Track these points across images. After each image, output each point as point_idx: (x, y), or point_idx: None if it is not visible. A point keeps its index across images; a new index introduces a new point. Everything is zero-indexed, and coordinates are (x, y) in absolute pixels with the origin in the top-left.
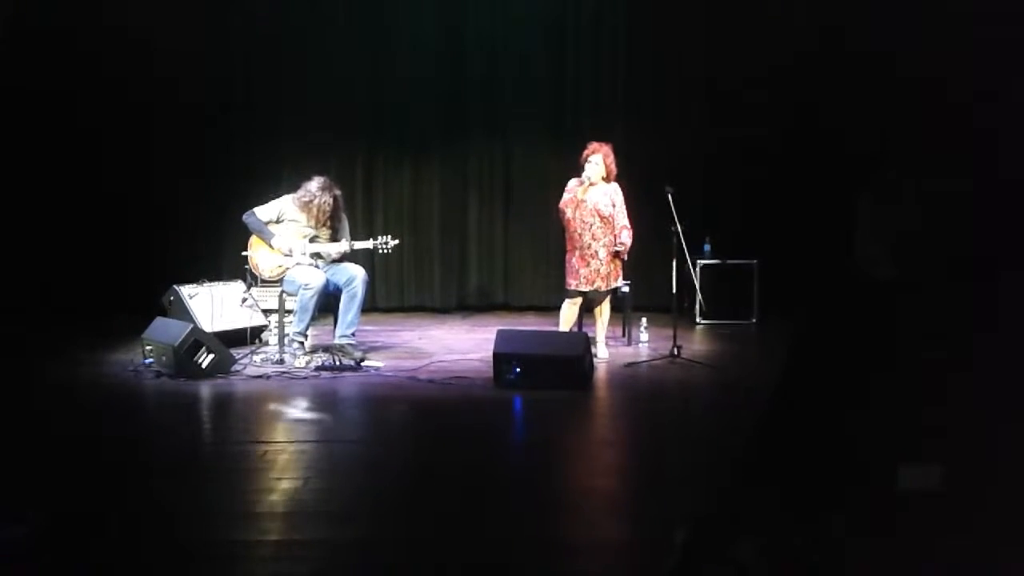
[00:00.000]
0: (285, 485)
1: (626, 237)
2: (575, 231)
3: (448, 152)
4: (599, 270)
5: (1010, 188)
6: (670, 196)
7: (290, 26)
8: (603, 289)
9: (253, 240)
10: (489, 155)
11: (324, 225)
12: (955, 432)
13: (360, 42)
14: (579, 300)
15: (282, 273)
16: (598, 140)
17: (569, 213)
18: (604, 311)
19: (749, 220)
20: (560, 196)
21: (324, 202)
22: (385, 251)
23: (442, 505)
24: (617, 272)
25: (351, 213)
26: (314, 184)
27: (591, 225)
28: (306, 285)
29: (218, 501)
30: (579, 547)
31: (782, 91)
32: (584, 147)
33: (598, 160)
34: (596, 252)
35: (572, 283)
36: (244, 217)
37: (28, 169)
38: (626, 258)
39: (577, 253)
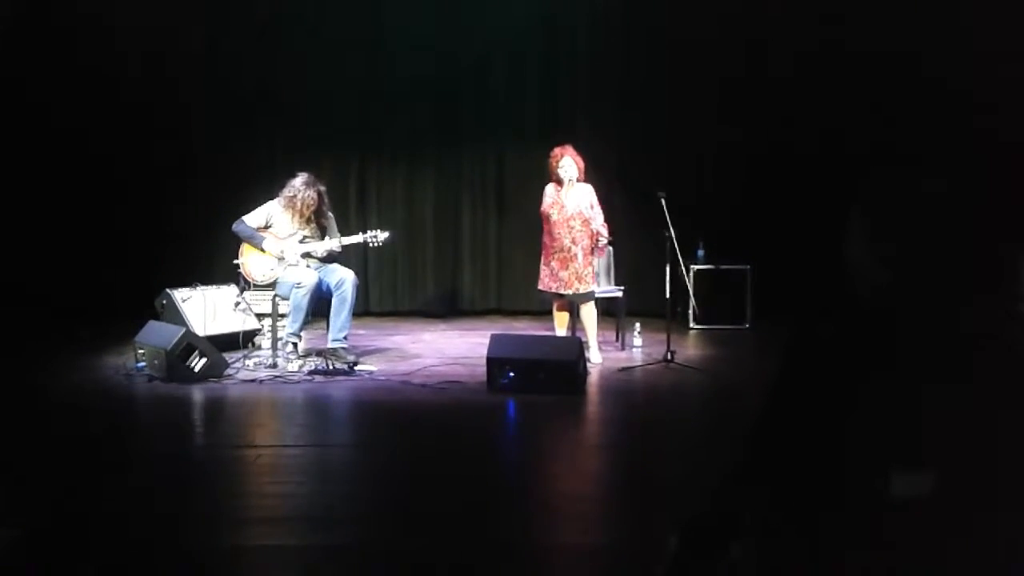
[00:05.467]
0: (277, 489)
1: (605, 232)
2: (557, 234)
3: (442, 155)
4: (578, 271)
5: (1010, 188)
6: (663, 201)
7: (286, 28)
8: (582, 291)
9: (244, 247)
10: (482, 158)
11: (310, 222)
12: (954, 438)
13: (355, 43)
14: (561, 302)
15: (274, 277)
16: (588, 144)
17: (555, 216)
18: (591, 315)
19: (742, 225)
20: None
21: (308, 196)
22: (375, 244)
23: (435, 510)
24: (593, 275)
25: (345, 215)
26: (298, 180)
27: (573, 228)
28: (298, 284)
29: (210, 505)
30: (572, 551)
31: (777, 94)
32: (551, 155)
33: (570, 163)
34: (575, 255)
35: (552, 286)
36: (234, 226)
37: (21, 171)
38: (601, 256)
39: (556, 256)
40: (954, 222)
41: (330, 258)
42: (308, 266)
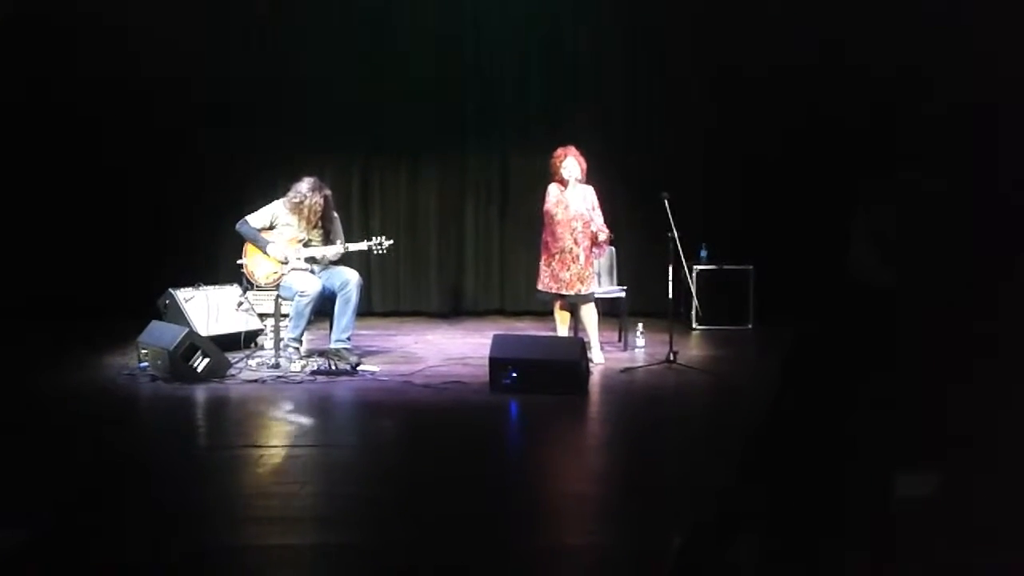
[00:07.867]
0: (281, 490)
1: (606, 231)
2: (560, 234)
3: (445, 155)
4: (579, 273)
5: (1010, 189)
6: (666, 202)
7: (288, 28)
8: (583, 292)
9: (248, 248)
10: (486, 159)
11: (316, 226)
12: (956, 437)
13: (358, 44)
14: (562, 302)
15: (277, 280)
16: (592, 144)
17: (559, 215)
18: (592, 315)
19: (746, 225)
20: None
21: (315, 202)
22: (380, 252)
23: (438, 510)
24: (593, 275)
25: (348, 217)
26: (304, 185)
27: (575, 229)
28: (302, 292)
29: (213, 505)
30: (575, 552)
31: (780, 96)
32: (554, 155)
33: (573, 163)
34: (577, 256)
35: (553, 287)
36: (237, 226)
37: (25, 170)
38: (602, 255)
39: (558, 257)
40: (954, 222)
41: (335, 258)
42: (312, 271)
